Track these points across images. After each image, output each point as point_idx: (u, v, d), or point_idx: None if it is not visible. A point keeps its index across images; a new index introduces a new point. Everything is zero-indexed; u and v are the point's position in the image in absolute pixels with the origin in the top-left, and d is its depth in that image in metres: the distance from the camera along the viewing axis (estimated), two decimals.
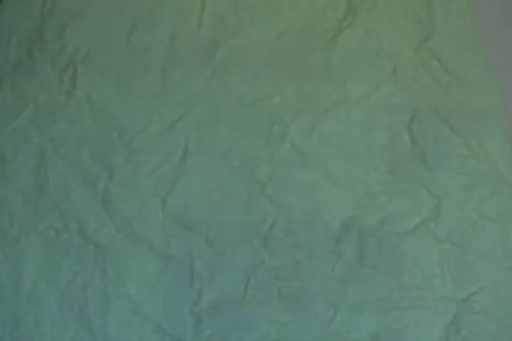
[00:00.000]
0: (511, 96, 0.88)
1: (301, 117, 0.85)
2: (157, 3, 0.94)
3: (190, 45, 0.91)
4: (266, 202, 0.80)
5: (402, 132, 0.84)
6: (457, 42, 0.90)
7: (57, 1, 0.95)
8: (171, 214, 0.80)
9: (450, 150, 0.83)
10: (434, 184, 0.80)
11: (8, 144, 0.85)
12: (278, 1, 0.94)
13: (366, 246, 0.77)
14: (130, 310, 0.75)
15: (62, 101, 0.87)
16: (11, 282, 0.77)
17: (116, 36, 0.92)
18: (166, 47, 0.91)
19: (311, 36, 0.91)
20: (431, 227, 0.78)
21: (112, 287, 0.76)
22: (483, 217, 0.78)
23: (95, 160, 0.83)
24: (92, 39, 0.92)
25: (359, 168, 0.82)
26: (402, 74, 0.88)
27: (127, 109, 0.86)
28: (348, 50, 0.90)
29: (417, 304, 0.74)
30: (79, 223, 0.80)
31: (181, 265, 0.77)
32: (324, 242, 0.78)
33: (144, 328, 0.75)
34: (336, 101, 0.86)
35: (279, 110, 0.86)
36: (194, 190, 0.81)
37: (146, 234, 0.79)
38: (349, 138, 0.84)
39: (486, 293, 0.75)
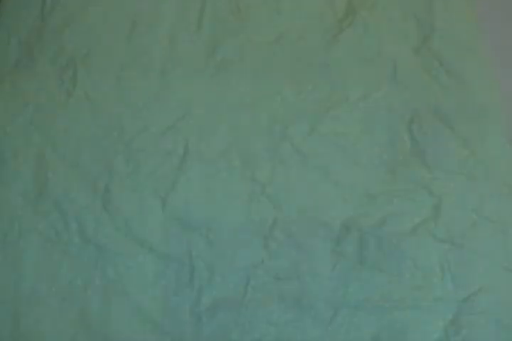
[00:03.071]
0: (511, 96, 0.88)
1: (301, 117, 0.85)
2: (157, 3, 0.94)
3: (190, 45, 0.91)
4: (266, 202, 0.80)
5: (402, 132, 0.84)
6: (457, 42, 0.90)
7: (57, 1, 0.95)
8: (171, 214, 0.80)
9: (450, 150, 0.83)
10: (434, 184, 0.80)
11: (8, 144, 0.85)
12: (278, 1, 0.94)
13: (366, 246, 0.77)
14: (130, 310, 0.75)
15: (62, 101, 0.87)
16: (11, 282, 0.77)
17: (116, 36, 0.92)
18: (166, 47, 0.91)
19: (311, 36, 0.91)
20: (431, 227, 0.78)
21: (112, 287, 0.76)
22: (483, 217, 0.78)
23: (95, 160, 0.83)
24: (92, 39, 0.92)
25: (359, 168, 0.82)
26: (402, 74, 0.88)
27: (127, 109, 0.86)
28: (348, 50, 0.90)
29: (417, 304, 0.74)
30: (79, 223, 0.80)
31: (181, 265, 0.77)
32: (324, 242, 0.78)
33: (144, 328, 0.75)
34: (335, 102, 0.86)
35: (279, 110, 0.86)
36: (194, 190, 0.81)
37: (146, 234, 0.79)
38: (349, 138, 0.84)
39: (486, 293, 0.75)
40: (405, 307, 0.74)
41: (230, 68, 0.89)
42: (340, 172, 0.82)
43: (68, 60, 0.90)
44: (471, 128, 0.84)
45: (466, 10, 0.93)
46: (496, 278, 0.76)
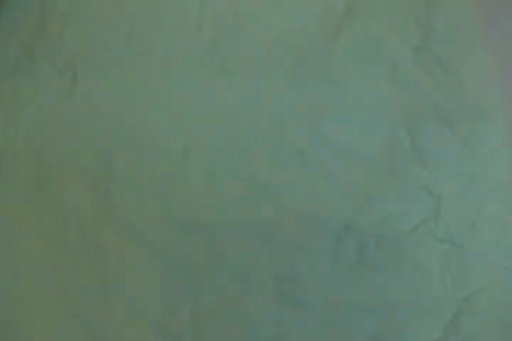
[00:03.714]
0: (511, 96, 0.88)
1: (301, 117, 0.85)
2: (157, 3, 0.94)
3: (190, 45, 0.91)
4: (266, 202, 0.80)
5: (401, 132, 0.84)
6: (457, 42, 0.90)
7: (57, 0, 0.95)
8: (171, 214, 0.80)
9: (450, 150, 0.83)
10: (434, 184, 0.81)
11: (8, 144, 0.85)
12: (278, 1, 0.94)
13: (366, 246, 0.77)
14: (130, 310, 0.75)
15: (62, 101, 0.87)
16: (10, 282, 0.77)
17: (116, 36, 0.92)
18: (165, 47, 0.91)
19: (311, 36, 0.91)
20: (431, 227, 0.78)
21: (112, 287, 0.76)
22: (483, 217, 0.78)
23: (95, 160, 0.83)
24: (92, 39, 0.92)
25: (359, 168, 0.82)
26: (402, 74, 0.88)
27: (127, 109, 0.86)
28: (348, 50, 0.90)
29: (417, 304, 0.74)
30: (79, 223, 0.80)
31: (181, 265, 0.77)
32: (324, 242, 0.78)
33: (143, 328, 0.75)
34: (335, 102, 0.86)
35: (279, 110, 0.86)
36: (194, 190, 0.81)
37: (146, 234, 0.79)
38: (349, 138, 0.84)
39: (486, 293, 0.75)
40: (405, 307, 0.74)
41: (230, 68, 0.89)
42: (340, 172, 0.82)
43: (68, 60, 0.90)
44: (471, 128, 0.84)
45: (466, 10, 0.93)
46: (495, 278, 0.76)
